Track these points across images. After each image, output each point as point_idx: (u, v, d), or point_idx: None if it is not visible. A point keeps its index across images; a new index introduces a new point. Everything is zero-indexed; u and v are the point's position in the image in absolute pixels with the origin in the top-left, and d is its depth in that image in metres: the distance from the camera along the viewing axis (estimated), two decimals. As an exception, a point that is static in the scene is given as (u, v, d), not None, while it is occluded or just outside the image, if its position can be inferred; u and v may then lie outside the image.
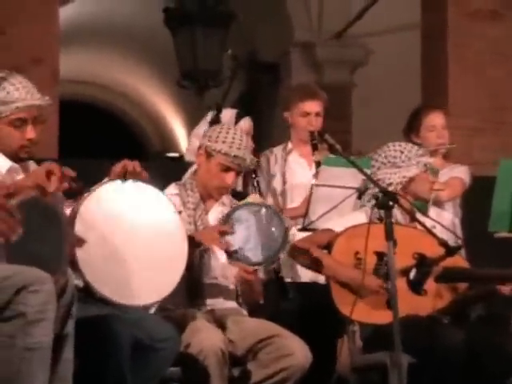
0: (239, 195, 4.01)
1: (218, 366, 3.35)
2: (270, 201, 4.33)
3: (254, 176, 4.27)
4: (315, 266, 3.74)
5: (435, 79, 6.62)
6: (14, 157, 3.14)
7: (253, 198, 3.79)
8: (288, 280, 4.26)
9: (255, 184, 4.27)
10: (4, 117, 3.11)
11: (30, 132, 3.12)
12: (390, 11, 7.37)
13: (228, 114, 4.39)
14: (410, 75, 7.26)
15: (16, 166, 3.12)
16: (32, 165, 3.20)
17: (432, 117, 4.54)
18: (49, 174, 2.76)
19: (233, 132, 3.67)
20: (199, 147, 3.73)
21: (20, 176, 3.09)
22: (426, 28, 6.82)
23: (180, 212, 3.49)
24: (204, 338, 3.38)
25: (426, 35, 6.74)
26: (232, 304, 3.71)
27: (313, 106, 4.46)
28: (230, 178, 3.64)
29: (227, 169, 3.63)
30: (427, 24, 6.73)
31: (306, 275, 4.29)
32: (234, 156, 3.61)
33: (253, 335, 3.54)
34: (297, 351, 3.48)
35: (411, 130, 4.53)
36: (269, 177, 4.52)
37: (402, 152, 3.82)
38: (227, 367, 3.41)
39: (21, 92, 3.12)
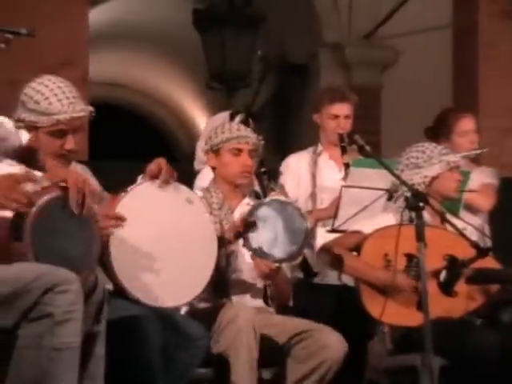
0: (258, 196, 4.03)
1: (253, 333, 3.34)
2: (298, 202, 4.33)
3: (266, 177, 4.27)
4: (344, 268, 3.73)
5: (465, 79, 6.58)
6: None
7: (276, 195, 3.79)
8: (318, 281, 4.26)
9: (267, 184, 4.28)
10: (44, 127, 3.08)
11: (70, 142, 3.11)
12: (420, 12, 7.32)
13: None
14: (440, 76, 7.21)
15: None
16: (75, 166, 3.22)
17: (464, 122, 4.53)
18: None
19: (228, 124, 3.86)
20: (206, 153, 3.79)
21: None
22: (456, 28, 6.78)
23: (211, 212, 3.52)
24: (239, 310, 3.40)
25: (456, 35, 6.70)
26: (259, 302, 3.70)
27: (342, 109, 4.46)
28: (245, 158, 3.72)
29: (238, 151, 3.71)
30: (458, 24, 6.69)
31: (334, 277, 4.29)
32: (237, 136, 3.71)
33: (285, 331, 3.54)
34: (332, 342, 3.47)
35: (440, 135, 4.51)
36: (296, 178, 4.52)
37: (423, 152, 3.82)
38: (258, 346, 3.39)
39: (63, 103, 3.06)
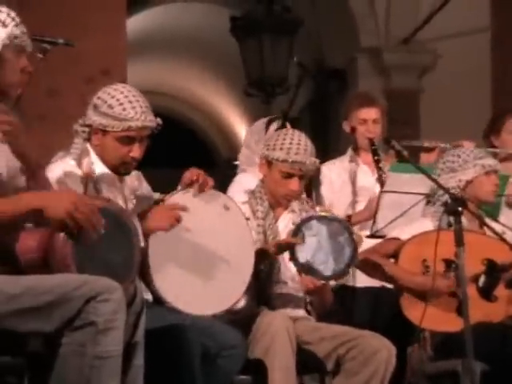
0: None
1: (288, 339, 3.33)
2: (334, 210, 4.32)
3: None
4: (383, 276, 3.71)
5: (505, 82, 6.52)
6: (113, 170, 3.18)
7: (323, 209, 3.78)
8: (348, 284, 4.26)
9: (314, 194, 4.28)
10: (114, 132, 3.11)
11: (136, 151, 3.14)
12: (459, 15, 7.27)
13: (257, 126, 4.39)
14: (479, 79, 7.16)
15: (113, 175, 3.17)
16: (127, 177, 3.24)
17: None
18: None
19: (290, 137, 3.65)
20: (260, 157, 3.73)
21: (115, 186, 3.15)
22: (495, 31, 6.73)
23: (248, 219, 3.50)
24: (273, 317, 3.39)
25: (495, 38, 6.65)
26: (301, 312, 3.70)
27: (370, 113, 4.48)
28: (294, 184, 3.62)
29: (289, 175, 3.61)
30: (497, 27, 6.63)
31: (364, 280, 4.27)
32: (293, 162, 3.59)
33: (330, 339, 3.53)
34: (381, 348, 3.45)
35: (492, 131, 4.54)
36: (333, 186, 4.52)
37: (459, 156, 3.81)
38: (295, 351, 3.38)
39: (137, 111, 3.10)
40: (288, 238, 3.54)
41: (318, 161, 3.69)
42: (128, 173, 3.21)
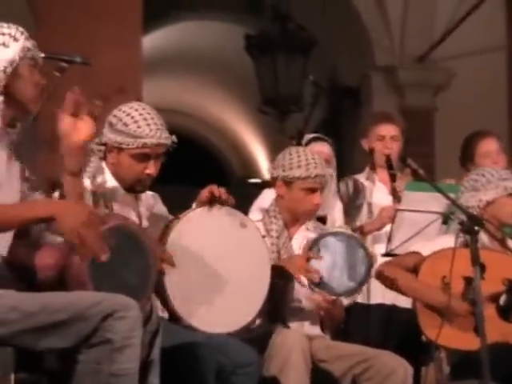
0: (321, 219, 4.01)
1: (303, 357, 3.31)
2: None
3: None
4: (401, 289, 3.70)
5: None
6: (128, 188, 3.18)
7: (339, 226, 3.76)
8: (360, 302, 4.24)
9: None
10: (129, 149, 3.13)
11: (151, 168, 3.15)
12: (474, 33, 7.27)
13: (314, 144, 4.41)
14: (495, 97, 7.15)
15: (126, 193, 3.17)
16: (143, 195, 3.24)
17: (486, 143, 4.52)
18: None
19: (303, 154, 3.69)
20: (276, 178, 3.72)
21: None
22: (510, 49, 6.71)
23: (264, 236, 3.50)
24: (288, 335, 3.38)
25: (510, 56, 6.63)
26: (317, 330, 3.68)
27: (388, 129, 4.48)
28: (316, 198, 3.65)
29: (312, 191, 3.64)
30: (512, 45, 6.61)
31: (377, 298, 4.24)
32: (315, 176, 3.63)
33: (346, 358, 3.51)
34: (398, 367, 3.43)
35: (466, 159, 4.52)
36: (349, 202, 4.50)
37: (483, 175, 3.78)
38: (309, 369, 3.37)
39: (151, 128, 3.12)
40: (303, 253, 3.53)
41: (330, 169, 3.78)
42: (144, 190, 3.22)
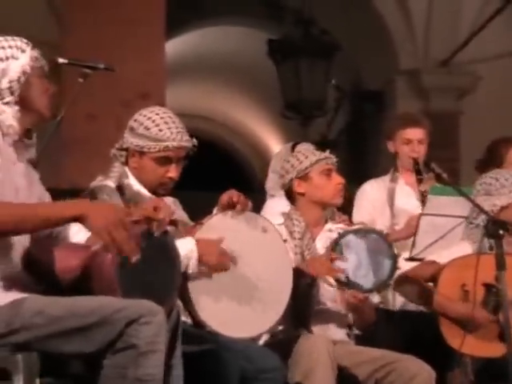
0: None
1: (330, 363, 3.30)
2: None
3: None
4: (422, 300, 3.67)
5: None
6: (151, 191, 3.19)
7: (361, 223, 3.76)
8: (384, 307, 4.22)
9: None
10: (151, 152, 3.15)
11: (173, 171, 3.17)
12: (498, 37, 7.24)
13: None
14: (520, 101, 7.10)
15: (151, 196, 3.17)
16: (166, 199, 3.24)
17: None
18: (156, 208, 2.80)
19: (303, 147, 3.84)
20: (291, 182, 3.73)
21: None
22: (535, 52, 6.67)
23: (285, 240, 3.50)
24: (314, 340, 3.37)
25: (535, 59, 6.58)
26: (341, 334, 3.67)
27: (415, 133, 4.44)
28: (336, 177, 3.69)
29: (329, 171, 3.69)
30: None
31: (401, 303, 4.23)
32: (325, 157, 3.70)
33: (368, 363, 3.49)
34: (420, 371, 3.41)
35: (491, 163, 4.44)
36: (372, 204, 4.49)
37: (497, 180, 3.75)
38: (335, 376, 3.35)
39: (173, 131, 3.15)
40: (326, 254, 3.53)
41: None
42: (166, 193, 3.23)
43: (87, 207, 2.55)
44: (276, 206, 3.93)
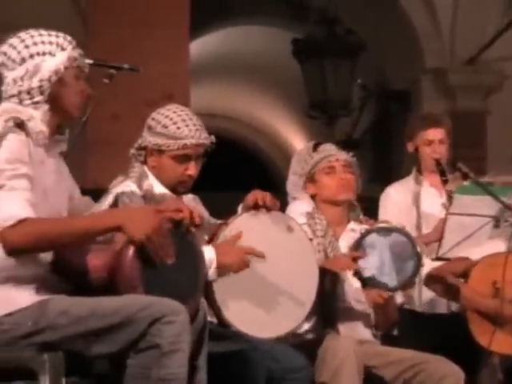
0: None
1: (356, 363, 3.29)
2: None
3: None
4: (451, 295, 3.65)
5: None
6: (170, 190, 3.19)
7: (384, 222, 3.74)
8: (412, 309, 4.19)
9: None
10: (170, 150, 3.15)
11: (192, 168, 3.17)
12: (525, 34, 7.17)
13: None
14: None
15: (173, 195, 3.17)
16: (184, 197, 3.25)
17: None
18: (178, 208, 2.80)
19: (322, 147, 3.80)
20: (307, 179, 3.76)
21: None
22: None
23: (311, 239, 3.49)
24: (341, 340, 3.36)
25: None
26: (367, 333, 3.65)
27: (436, 134, 4.41)
28: (340, 174, 3.70)
29: (331, 169, 3.71)
30: None
31: (429, 306, 4.20)
32: (325, 156, 3.72)
33: (396, 363, 3.48)
34: (450, 372, 3.39)
35: None
36: (398, 207, 4.46)
37: None
38: (361, 377, 3.33)
39: (191, 129, 3.14)
40: (350, 253, 3.52)
41: (352, 154, 3.82)
42: (186, 191, 3.23)
43: (123, 217, 2.58)
44: (298, 209, 3.92)
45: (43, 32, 2.72)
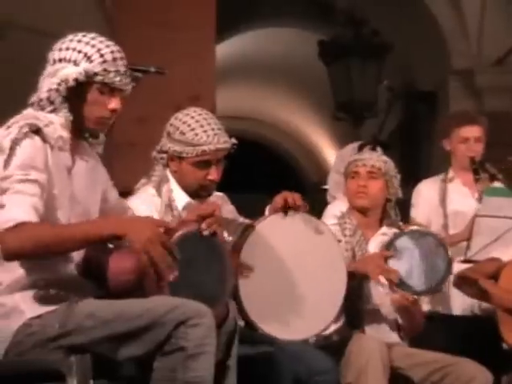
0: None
1: (381, 363, 3.28)
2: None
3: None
4: (481, 295, 3.63)
5: None
6: (193, 194, 3.19)
7: (415, 224, 3.72)
8: (441, 312, 4.17)
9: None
10: (189, 157, 3.14)
11: (213, 173, 3.16)
12: (553, 34, 7.11)
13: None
14: None
15: (193, 202, 3.16)
16: (212, 196, 3.24)
17: None
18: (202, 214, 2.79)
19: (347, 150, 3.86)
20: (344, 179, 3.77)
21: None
22: None
23: (340, 241, 3.48)
24: (366, 341, 3.35)
25: None
26: (394, 336, 3.63)
27: (472, 131, 4.37)
28: (361, 180, 3.69)
29: (355, 174, 3.72)
30: None
31: (457, 307, 4.17)
32: (355, 160, 3.73)
33: (424, 365, 3.47)
34: (478, 374, 3.38)
35: None
36: (428, 204, 4.44)
37: None
38: (387, 378, 3.33)
39: (209, 134, 3.12)
40: (380, 252, 3.51)
41: (387, 159, 3.79)
42: (208, 195, 3.22)
43: (124, 225, 2.56)
44: (333, 210, 3.91)
45: (86, 39, 2.68)
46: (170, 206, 3.12)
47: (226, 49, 8.57)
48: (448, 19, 7.46)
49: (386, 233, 3.69)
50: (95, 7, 6.21)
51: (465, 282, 3.66)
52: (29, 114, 2.65)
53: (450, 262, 3.50)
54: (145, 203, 3.11)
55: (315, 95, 9.72)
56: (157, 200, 3.16)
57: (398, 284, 3.46)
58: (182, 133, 3.13)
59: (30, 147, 2.57)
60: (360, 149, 4.06)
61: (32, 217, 2.50)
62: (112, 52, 2.68)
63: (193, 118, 3.15)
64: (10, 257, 2.53)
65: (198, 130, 3.12)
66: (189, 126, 3.14)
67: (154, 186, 3.16)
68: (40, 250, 2.52)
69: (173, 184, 3.18)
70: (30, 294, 2.60)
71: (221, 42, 7.86)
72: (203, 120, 3.15)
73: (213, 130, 3.13)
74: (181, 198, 3.17)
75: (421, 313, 3.67)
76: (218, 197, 3.32)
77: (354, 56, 7.74)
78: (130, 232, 2.52)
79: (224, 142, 3.15)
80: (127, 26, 5.73)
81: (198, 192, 3.18)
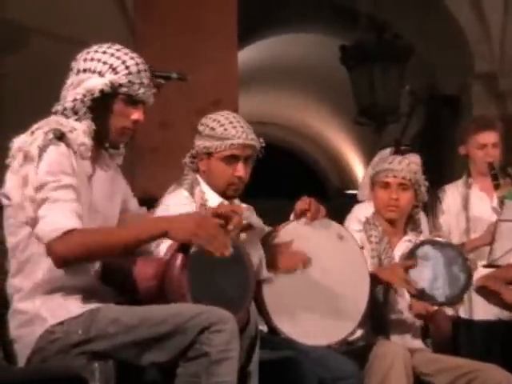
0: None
1: (404, 369, 3.27)
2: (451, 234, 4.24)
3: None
4: (502, 302, 3.62)
5: None
6: (222, 194, 3.21)
7: (438, 235, 3.71)
8: (463, 317, 4.15)
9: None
10: (218, 152, 3.18)
11: (241, 169, 3.18)
12: None
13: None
14: None
15: (226, 202, 3.17)
16: (237, 203, 3.25)
17: None
18: (233, 211, 2.79)
19: (389, 157, 3.77)
20: (371, 184, 3.76)
21: None
22: None
23: (362, 247, 3.47)
24: (390, 346, 3.35)
25: None
26: (419, 343, 3.62)
27: (489, 137, 4.38)
28: (392, 193, 3.67)
29: (386, 185, 3.68)
30: None
31: (480, 313, 4.14)
32: (386, 170, 3.69)
33: (449, 371, 3.45)
34: (504, 380, 3.36)
35: None
36: (449, 209, 4.42)
37: None
38: (412, 382, 3.32)
39: (237, 130, 3.18)
40: (402, 262, 3.50)
41: (418, 171, 3.79)
42: (236, 195, 3.24)
43: (167, 223, 2.58)
44: (358, 213, 3.90)
45: (111, 50, 2.70)
46: (203, 207, 3.14)
47: (250, 54, 8.59)
48: (471, 23, 7.42)
49: (411, 239, 3.68)
50: (117, 15, 6.24)
51: (487, 291, 3.65)
52: (52, 120, 2.67)
53: (470, 273, 3.50)
54: (182, 204, 3.13)
55: (337, 100, 9.71)
56: (191, 202, 3.17)
57: (419, 294, 3.45)
58: (212, 128, 3.20)
59: (56, 153, 2.59)
60: (396, 152, 4.04)
61: (75, 222, 2.54)
62: (137, 64, 2.70)
63: (223, 116, 3.23)
64: (62, 265, 2.57)
65: (227, 125, 3.19)
66: (219, 122, 3.20)
67: (187, 189, 3.19)
68: (90, 255, 2.57)
69: (204, 186, 3.21)
70: (50, 299, 2.62)
71: (243, 48, 7.88)
72: (233, 118, 3.22)
73: (242, 126, 3.20)
74: (214, 199, 3.19)
75: (446, 317, 3.66)
76: (245, 208, 3.33)
77: (377, 60, 7.71)
78: (173, 229, 2.55)
79: (252, 139, 3.19)
80: (149, 33, 5.75)
81: (225, 191, 3.20)
